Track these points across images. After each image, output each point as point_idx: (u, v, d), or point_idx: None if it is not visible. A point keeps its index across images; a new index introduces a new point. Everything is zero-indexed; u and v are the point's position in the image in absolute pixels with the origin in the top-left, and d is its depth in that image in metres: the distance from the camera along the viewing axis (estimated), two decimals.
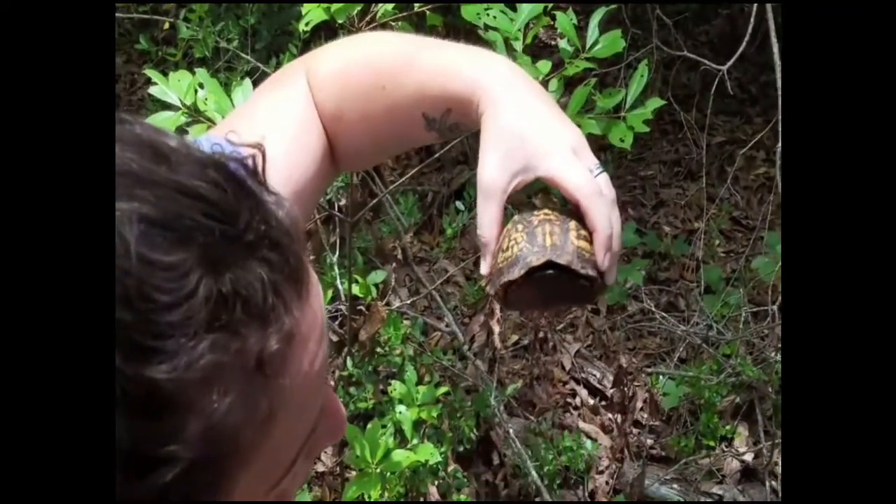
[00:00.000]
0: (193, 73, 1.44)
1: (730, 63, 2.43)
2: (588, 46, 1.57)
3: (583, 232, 0.82)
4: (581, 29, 1.60)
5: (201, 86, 1.43)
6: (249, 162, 0.52)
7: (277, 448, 0.52)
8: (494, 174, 0.81)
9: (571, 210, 0.84)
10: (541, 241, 0.81)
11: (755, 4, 2.37)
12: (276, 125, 0.87)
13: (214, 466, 0.46)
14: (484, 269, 0.86)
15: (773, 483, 2.76)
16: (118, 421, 0.42)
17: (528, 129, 0.81)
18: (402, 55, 0.89)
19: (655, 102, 1.63)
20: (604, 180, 0.82)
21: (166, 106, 1.44)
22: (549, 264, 0.80)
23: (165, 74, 1.46)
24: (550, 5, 1.58)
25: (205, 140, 0.78)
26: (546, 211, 0.85)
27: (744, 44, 2.38)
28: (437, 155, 2.53)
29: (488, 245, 0.85)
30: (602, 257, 0.81)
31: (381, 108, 0.88)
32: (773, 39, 2.27)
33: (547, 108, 0.83)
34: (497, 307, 2.36)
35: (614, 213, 0.81)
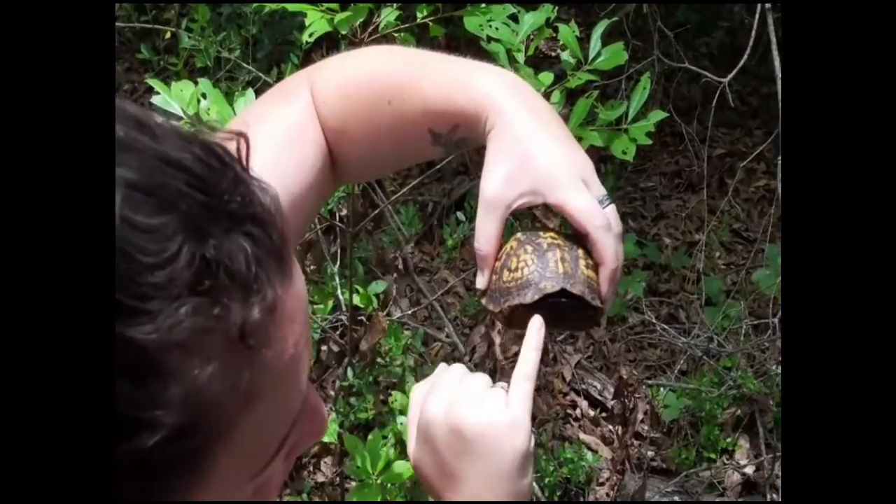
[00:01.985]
0: (196, 83, 1.45)
1: (731, 75, 2.43)
2: (590, 58, 1.57)
3: (590, 261, 0.82)
4: (583, 41, 1.60)
5: (204, 96, 1.43)
6: (232, 147, 0.52)
7: (258, 432, 0.51)
8: (499, 188, 0.81)
9: (575, 235, 0.84)
10: (553, 267, 0.82)
11: (756, 17, 2.38)
12: (273, 136, 0.87)
13: (195, 436, 0.46)
14: (481, 282, 0.86)
15: (775, 496, 2.75)
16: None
17: (539, 152, 0.80)
18: (407, 70, 0.88)
19: (658, 115, 1.63)
20: (611, 212, 0.82)
21: (168, 115, 1.44)
22: (563, 293, 0.81)
23: (166, 84, 1.46)
24: (553, 17, 1.58)
25: None
26: (553, 234, 0.84)
27: (745, 56, 2.39)
28: (437, 166, 2.53)
29: (486, 259, 0.84)
30: (606, 289, 0.82)
31: (386, 123, 0.87)
32: (775, 52, 2.28)
33: (557, 130, 0.83)
34: None
35: (619, 248, 0.82)
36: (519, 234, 0.85)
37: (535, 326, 0.82)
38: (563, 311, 0.82)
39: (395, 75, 0.88)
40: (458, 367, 0.84)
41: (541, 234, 0.85)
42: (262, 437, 0.53)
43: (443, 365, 0.86)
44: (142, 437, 0.43)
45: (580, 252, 0.82)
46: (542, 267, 0.82)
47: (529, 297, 0.81)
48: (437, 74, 0.86)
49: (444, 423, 0.77)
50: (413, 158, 1.02)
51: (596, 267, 0.82)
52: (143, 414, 0.43)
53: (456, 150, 0.88)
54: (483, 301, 0.86)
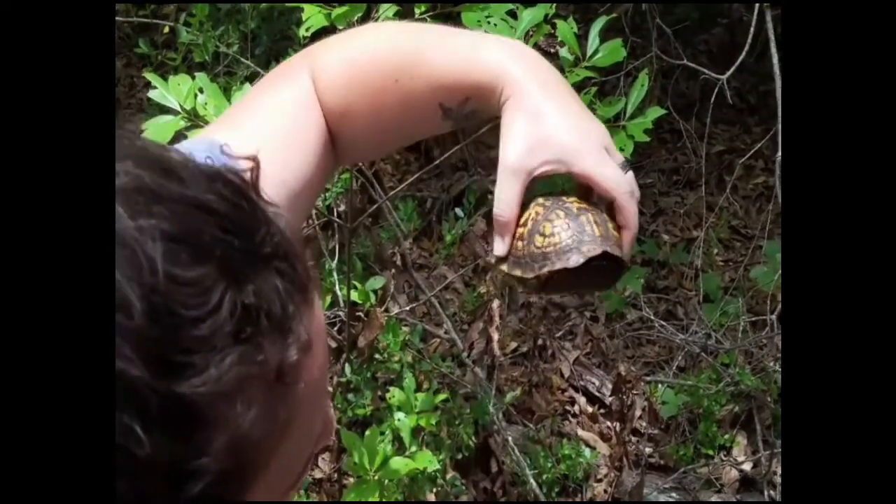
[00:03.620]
0: (193, 78, 1.44)
1: (729, 72, 2.43)
2: (589, 55, 1.57)
3: (613, 223, 0.84)
4: (581, 38, 1.59)
5: (201, 90, 1.43)
6: (247, 175, 0.52)
7: (290, 457, 0.52)
8: (522, 155, 0.81)
9: (587, 198, 0.85)
10: (590, 230, 0.83)
11: (755, 14, 2.37)
12: (273, 123, 0.85)
13: (238, 476, 0.47)
14: (500, 248, 0.85)
15: (772, 492, 2.75)
16: (151, 437, 0.41)
17: (560, 122, 0.81)
18: (412, 45, 0.87)
19: (655, 112, 1.62)
20: (632, 178, 0.84)
21: (165, 110, 1.44)
22: (605, 255, 0.82)
23: (165, 78, 1.46)
24: (552, 13, 1.57)
25: (199, 143, 0.77)
26: (575, 199, 0.85)
27: (743, 53, 2.38)
28: (436, 162, 2.53)
29: (508, 224, 0.84)
30: (627, 251, 0.85)
31: (394, 102, 0.86)
32: (773, 49, 2.27)
33: (571, 100, 0.83)
34: (496, 313, 2.35)
35: (637, 212, 0.85)
36: (540, 199, 0.85)
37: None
38: (597, 272, 0.83)
39: (400, 53, 0.86)
40: None
41: (564, 199, 0.85)
42: (292, 461, 0.54)
43: None
44: (188, 485, 0.43)
45: (606, 216, 0.84)
46: (580, 231, 0.82)
47: (574, 261, 0.81)
48: (444, 49, 0.85)
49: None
50: (420, 135, 1.01)
51: (619, 229, 0.84)
52: (190, 465, 0.43)
53: (466, 123, 0.87)
54: (504, 268, 0.85)
